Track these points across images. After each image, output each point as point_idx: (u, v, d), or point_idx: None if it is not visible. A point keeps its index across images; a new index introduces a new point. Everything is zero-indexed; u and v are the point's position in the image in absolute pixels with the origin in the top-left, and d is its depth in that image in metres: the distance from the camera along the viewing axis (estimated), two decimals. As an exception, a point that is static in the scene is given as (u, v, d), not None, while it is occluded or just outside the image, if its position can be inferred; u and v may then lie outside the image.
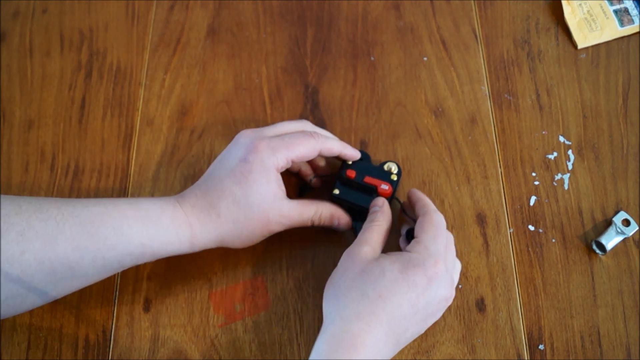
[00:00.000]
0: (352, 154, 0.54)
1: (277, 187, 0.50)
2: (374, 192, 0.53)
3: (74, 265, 0.45)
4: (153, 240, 0.47)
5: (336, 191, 0.53)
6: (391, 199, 0.54)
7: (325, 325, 0.45)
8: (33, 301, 0.46)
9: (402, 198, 0.55)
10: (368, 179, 0.53)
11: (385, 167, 0.55)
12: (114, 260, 0.47)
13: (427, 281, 0.45)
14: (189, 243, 0.49)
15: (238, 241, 0.50)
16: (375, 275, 0.45)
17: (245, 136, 0.51)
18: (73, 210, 0.46)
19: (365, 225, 0.50)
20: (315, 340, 0.44)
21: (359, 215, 0.53)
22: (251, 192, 0.49)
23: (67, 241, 0.45)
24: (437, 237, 0.47)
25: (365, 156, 0.56)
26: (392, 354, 0.46)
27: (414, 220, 0.51)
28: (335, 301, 0.45)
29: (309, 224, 0.52)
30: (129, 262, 0.48)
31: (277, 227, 0.51)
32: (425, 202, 0.51)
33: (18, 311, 0.47)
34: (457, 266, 0.51)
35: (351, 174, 0.53)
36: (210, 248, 0.50)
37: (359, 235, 0.49)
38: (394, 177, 0.54)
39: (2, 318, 0.47)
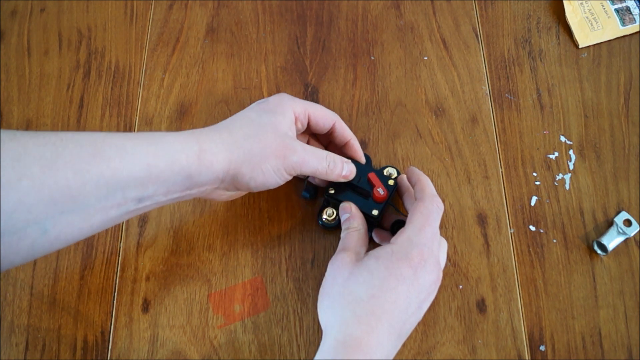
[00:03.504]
0: (359, 151, 0.54)
1: (292, 123, 0.49)
2: (369, 195, 0.52)
3: (75, 193, 0.41)
4: (158, 158, 0.43)
5: (331, 190, 0.53)
6: (386, 203, 0.53)
7: (326, 333, 0.45)
8: (32, 240, 0.41)
9: (397, 201, 0.55)
10: (364, 182, 0.53)
11: (385, 171, 0.54)
12: (117, 188, 0.42)
13: (414, 271, 0.45)
14: (196, 158, 0.45)
15: (248, 167, 0.46)
16: (364, 277, 0.45)
17: None
18: (73, 135, 0.42)
19: (342, 234, 0.50)
20: (319, 348, 0.44)
21: None
22: (266, 115, 0.48)
23: (68, 165, 0.40)
24: (423, 228, 0.47)
25: (366, 158, 0.55)
26: (396, 348, 0.46)
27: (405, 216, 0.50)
28: (332, 310, 0.45)
29: (324, 164, 0.49)
30: (133, 191, 0.43)
31: (291, 158, 0.47)
32: (423, 185, 0.50)
33: (15, 258, 0.41)
34: (444, 245, 0.50)
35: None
36: (219, 177, 0.46)
37: (339, 243, 0.49)
38: (392, 182, 0.53)
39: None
